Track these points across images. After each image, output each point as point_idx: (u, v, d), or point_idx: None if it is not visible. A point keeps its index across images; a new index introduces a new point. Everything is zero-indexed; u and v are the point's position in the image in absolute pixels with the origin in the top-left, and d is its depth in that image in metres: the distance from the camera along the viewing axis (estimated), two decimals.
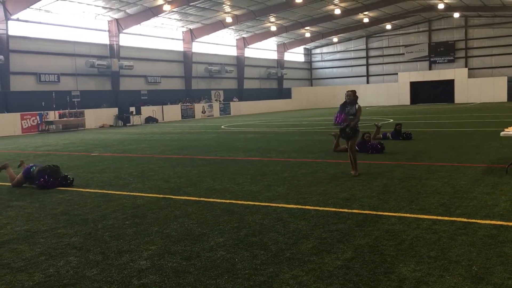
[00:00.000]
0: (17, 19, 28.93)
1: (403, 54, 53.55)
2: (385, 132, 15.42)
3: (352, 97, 8.99)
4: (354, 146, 9.09)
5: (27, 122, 27.64)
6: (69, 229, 5.92)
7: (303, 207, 6.58)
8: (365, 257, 4.50)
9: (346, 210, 6.29)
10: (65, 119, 29.18)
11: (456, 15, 46.92)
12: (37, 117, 28.15)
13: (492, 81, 47.00)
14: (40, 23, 30.57)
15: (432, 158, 10.78)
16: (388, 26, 51.32)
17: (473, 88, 47.58)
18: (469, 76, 48.59)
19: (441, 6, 41.82)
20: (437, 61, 51.70)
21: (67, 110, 29.63)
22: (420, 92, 50.28)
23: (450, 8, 44.03)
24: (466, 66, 49.94)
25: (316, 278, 4.04)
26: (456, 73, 48.65)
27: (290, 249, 4.81)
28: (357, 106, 8.93)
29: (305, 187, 8.01)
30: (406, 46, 53.28)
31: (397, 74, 52.36)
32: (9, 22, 28.04)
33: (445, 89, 48.91)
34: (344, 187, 7.87)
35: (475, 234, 5.05)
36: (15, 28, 29.02)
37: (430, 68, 52.08)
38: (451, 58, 50.97)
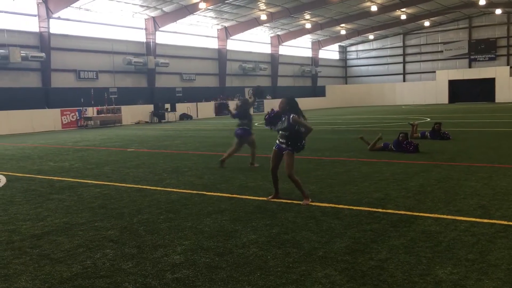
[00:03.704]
0: (58, 18, 29.83)
1: (442, 51, 52.22)
2: (424, 131, 15.08)
3: (283, 105, 6.76)
4: (292, 167, 6.74)
5: (66, 118, 28.49)
6: (106, 222, 6.06)
7: (337, 206, 6.51)
8: (400, 258, 4.41)
9: (380, 210, 6.19)
10: (103, 115, 29.90)
11: (498, 11, 45.38)
12: (76, 113, 28.97)
13: None
14: (80, 21, 31.44)
15: (471, 159, 10.47)
16: (426, 23, 50.13)
17: None
18: (511, 74, 46.92)
19: (482, 2, 40.53)
20: (478, 59, 50.17)
21: (104, 107, 30.36)
22: (459, 90, 48.80)
23: (492, 4, 42.61)
24: (508, 64, 48.25)
25: (349, 277, 4.00)
26: (497, 71, 47.06)
27: (323, 247, 4.77)
28: (291, 118, 6.62)
29: (338, 185, 7.92)
30: (444, 43, 51.93)
31: (435, 72, 51.05)
32: (50, 20, 28.99)
33: (485, 87, 47.37)
34: (378, 186, 7.74)
35: None
36: (56, 26, 29.95)
37: (470, 66, 50.58)
38: (492, 56, 49.38)
